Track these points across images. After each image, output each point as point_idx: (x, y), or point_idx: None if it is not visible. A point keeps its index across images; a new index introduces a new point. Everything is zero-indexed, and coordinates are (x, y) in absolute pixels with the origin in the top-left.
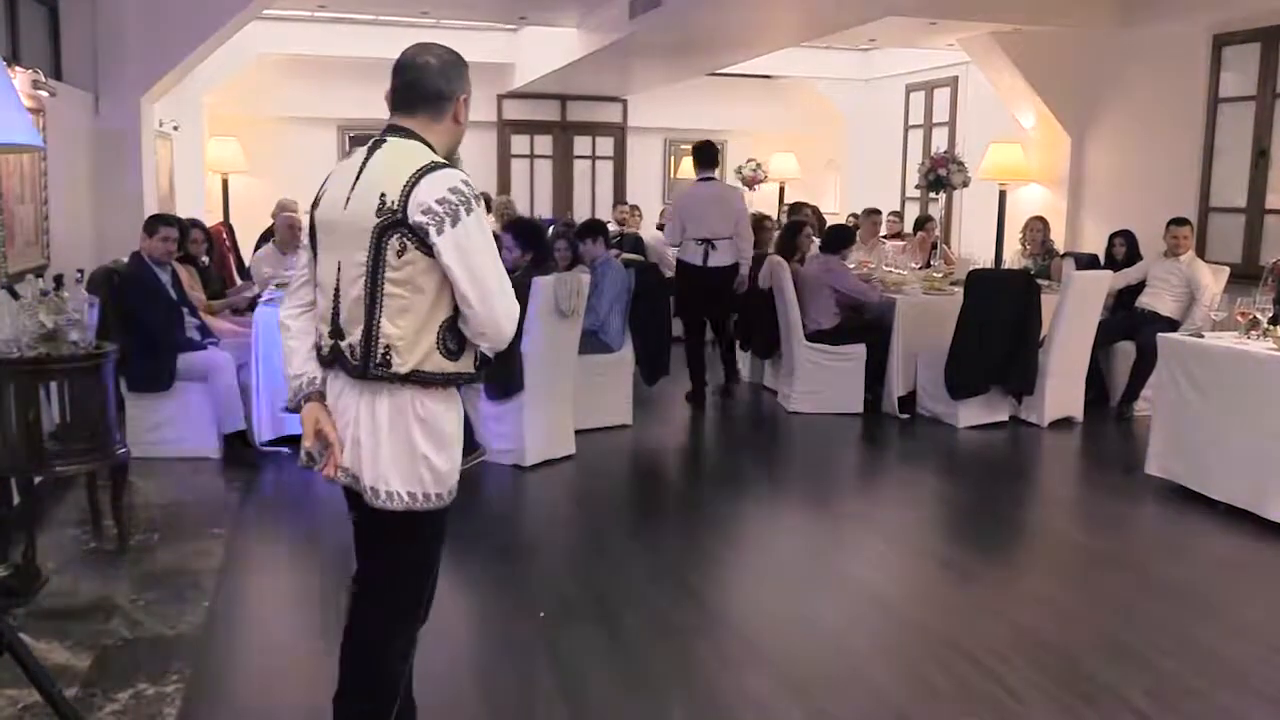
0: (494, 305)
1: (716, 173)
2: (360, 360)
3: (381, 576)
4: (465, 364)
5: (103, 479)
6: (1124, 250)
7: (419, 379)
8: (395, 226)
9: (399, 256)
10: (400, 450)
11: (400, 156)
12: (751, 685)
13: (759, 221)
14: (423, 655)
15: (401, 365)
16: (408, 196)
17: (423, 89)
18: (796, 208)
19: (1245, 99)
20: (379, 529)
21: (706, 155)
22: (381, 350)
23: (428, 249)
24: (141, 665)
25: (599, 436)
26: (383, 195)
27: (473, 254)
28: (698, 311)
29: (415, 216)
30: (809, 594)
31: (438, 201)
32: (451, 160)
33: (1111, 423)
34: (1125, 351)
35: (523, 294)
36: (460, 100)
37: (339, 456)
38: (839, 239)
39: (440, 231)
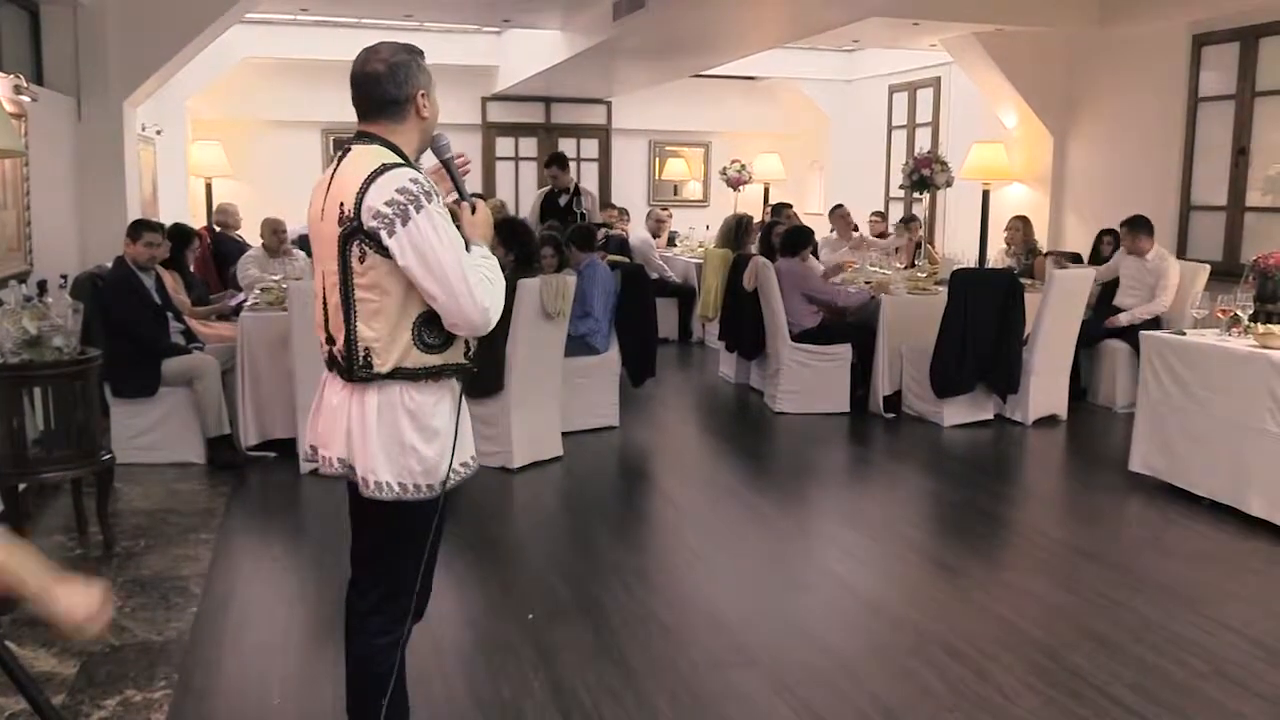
0: (459, 298)
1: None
2: (346, 363)
3: (372, 565)
4: (452, 354)
5: (88, 485)
6: (1112, 248)
7: (404, 374)
8: (354, 234)
9: (361, 263)
10: (389, 442)
11: (358, 164)
12: (739, 683)
13: (741, 222)
14: (413, 656)
15: (382, 366)
16: (360, 203)
17: (378, 99)
18: (779, 209)
19: (1225, 98)
20: (371, 518)
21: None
22: (362, 353)
23: (385, 252)
24: (129, 672)
25: (586, 438)
26: (341, 205)
27: (427, 251)
28: None
29: (369, 222)
30: (796, 593)
31: (386, 204)
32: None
33: (1095, 419)
34: (1109, 350)
35: (509, 296)
36: (418, 97)
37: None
38: (795, 241)
39: (391, 234)
